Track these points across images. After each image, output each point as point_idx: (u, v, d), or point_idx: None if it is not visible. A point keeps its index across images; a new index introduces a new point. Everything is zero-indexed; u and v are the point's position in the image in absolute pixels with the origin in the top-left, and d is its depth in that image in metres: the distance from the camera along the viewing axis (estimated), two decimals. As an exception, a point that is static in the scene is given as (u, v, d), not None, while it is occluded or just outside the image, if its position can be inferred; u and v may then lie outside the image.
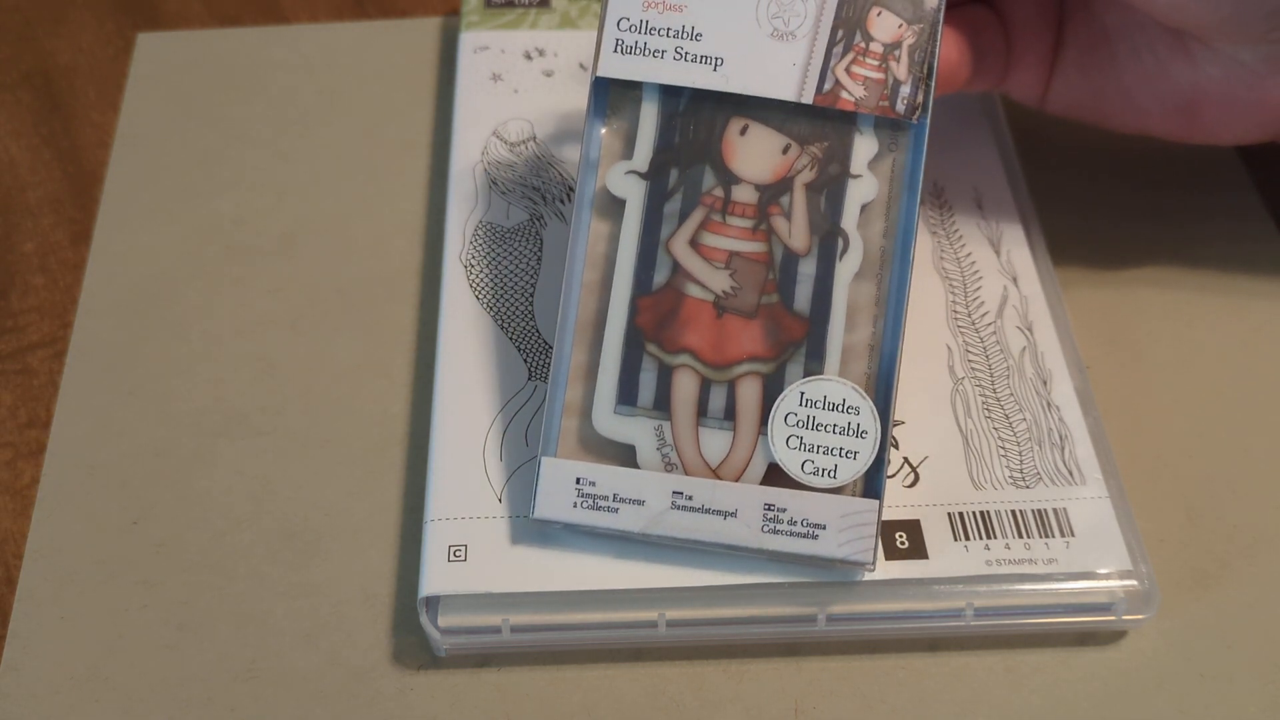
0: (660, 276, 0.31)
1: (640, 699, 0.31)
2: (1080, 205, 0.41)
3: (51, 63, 0.46)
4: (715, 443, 0.31)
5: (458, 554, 0.31)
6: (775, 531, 0.30)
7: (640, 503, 0.30)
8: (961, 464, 0.33)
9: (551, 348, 0.35)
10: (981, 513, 0.32)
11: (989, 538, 0.32)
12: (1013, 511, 0.32)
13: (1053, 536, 0.32)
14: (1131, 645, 0.32)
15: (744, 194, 0.31)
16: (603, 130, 0.31)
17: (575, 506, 0.30)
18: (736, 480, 0.30)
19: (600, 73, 0.31)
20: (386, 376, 0.36)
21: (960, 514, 0.32)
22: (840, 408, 0.30)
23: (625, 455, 0.31)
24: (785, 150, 0.31)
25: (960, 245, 0.38)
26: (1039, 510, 0.32)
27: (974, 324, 0.36)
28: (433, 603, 0.30)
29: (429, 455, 0.33)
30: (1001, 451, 0.33)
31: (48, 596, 0.32)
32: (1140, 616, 0.31)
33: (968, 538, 0.32)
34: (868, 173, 0.31)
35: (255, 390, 0.36)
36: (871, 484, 0.30)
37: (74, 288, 0.39)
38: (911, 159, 0.31)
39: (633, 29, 0.31)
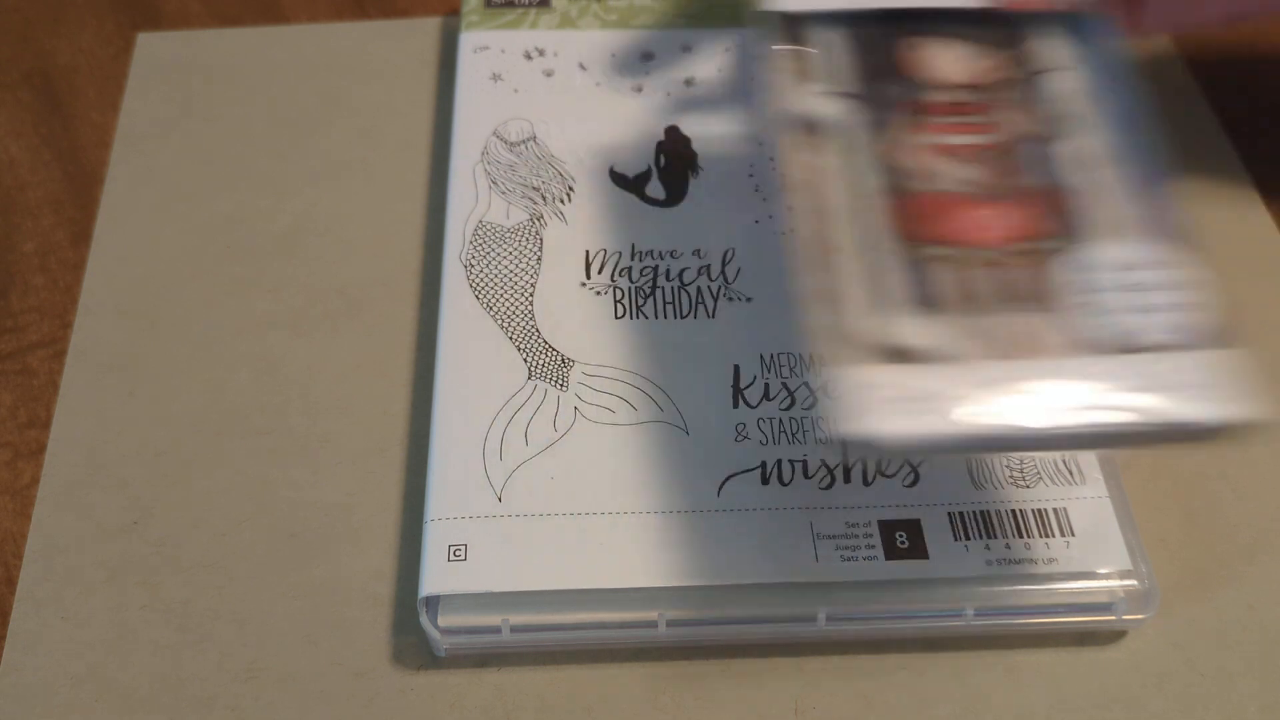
0: (897, 181, 0.29)
1: (640, 699, 0.31)
2: None
3: (51, 63, 0.46)
4: (1017, 328, 0.27)
5: (458, 554, 0.31)
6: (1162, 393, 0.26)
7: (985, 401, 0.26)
8: (962, 463, 0.33)
9: (554, 349, 0.35)
10: (982, 512, 0.32)
11: (989, 537, 0.32)
12: (1013, 511, 0.32)
13: (1053, 536, 0.32)
14: (1131, 645, 0.32)
15: (952, 95, 0.30)
16: (784, 62, 0.30)
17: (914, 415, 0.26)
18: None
19: (781, 6, 0.30)
20: (386, 376, 0.36)
21: (960, 513, 0.32)
22: (1145, 266, 0.27)
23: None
24: (982, 55, 0.30)
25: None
26: (1039, 510, 0.32)
27: (974, 323, 0.36)
28: (433, 603, 0.30)
29: (429, 455, 0.33)
30: (1002, 451, 0.33)
31: (48, 596, 0.32)
32: (1140, 616, 0.31)
33: (968, 537, 0.32)
34: (1068, 65, 0.30)
35: (255, 390, 0.36)
36: (1219, 333, 0.26)
37: (74, 288, 0.39)
38: (1110, 48, 0.30)
39: None
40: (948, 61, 0.30)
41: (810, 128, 0.29)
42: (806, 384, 0.34)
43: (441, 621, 0.30)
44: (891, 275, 0.28)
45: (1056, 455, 0.33)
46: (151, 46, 0.45)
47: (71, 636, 0.31)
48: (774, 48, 0.30)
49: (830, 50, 0.30)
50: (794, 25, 0.31)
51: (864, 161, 0.29)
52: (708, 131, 0.40)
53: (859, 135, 0.29)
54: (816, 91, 0.30)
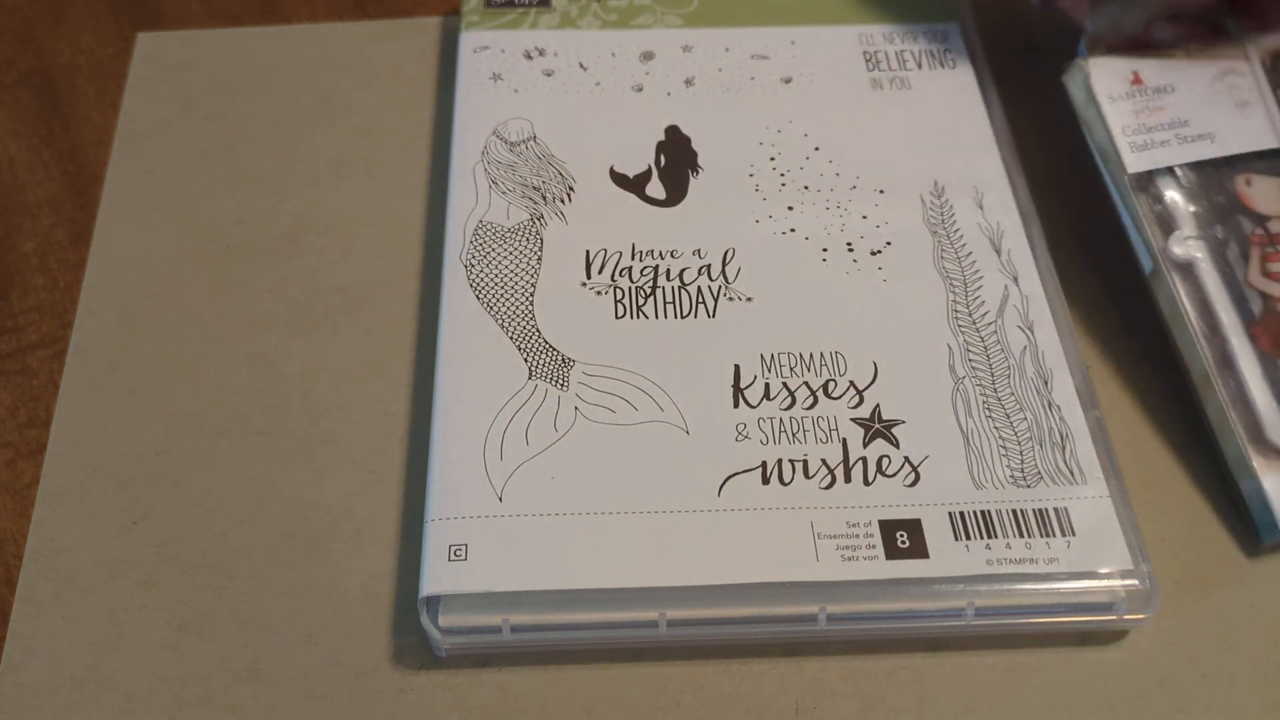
0: (1255, 307, 0.35)
1: (640, 699, 0.31)
2: (1081, 204, 0.41)
3: (51, 62, 0.46)
4: None
5: (458, 554, 0.31)
6: None
7: None
8: (962, 463, 0.33)
9: (555, 349, 0.35)
10: (982, 512, 0.32)
11: (990, 537, 0.31)
12: (1013, 511, 0.32)
13: (1054, 536, 0.32)
14: (1132, 645, 0.32)
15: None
16: (1145, 213, 0.36)
17: None
18: None
19: (1131, 170, 0.37)
20: (386, 376, 0.36)
21: (961, 513, 0.32)
22: None
23: None
24: None
25: (961, 245, 0.38)
26: (1040, 509, 0.32)
27: (975, 323, 0.36)
28: (433, 602, 0.30)
29: (429, 455, 0.33)
30: (1002, 451, 0.33)
31: (48, 597, 0.32)
32: (1141, 616, 0.31)
33: (968, 537, 0.31)
34: None
35: (255, 390, 0.36)
36: None
37: (74, 288, 0.39)
38: None
39: (1137, 131, 0.37)
40: (1271, 196, 0.37)
41: (1187, 267, 0.35)
42: (806, 384, 0.34)
43: (442, 621, 0.30)
44: (1266, 393, 0.33)
45: (1055, 454, 0.33)
46: (151, 46, 0.45)
47: (71, 637, 0.31)
48: (1135, 204, 0.36)
49: (1178, 199, 0.36)
50: (1147, 180, 0.37)
51: (1233, 289, 0.35)
52: (708, 131, 0.40)
53: (1228, 268, 0.35)
54: (1183, 237, 0.35)
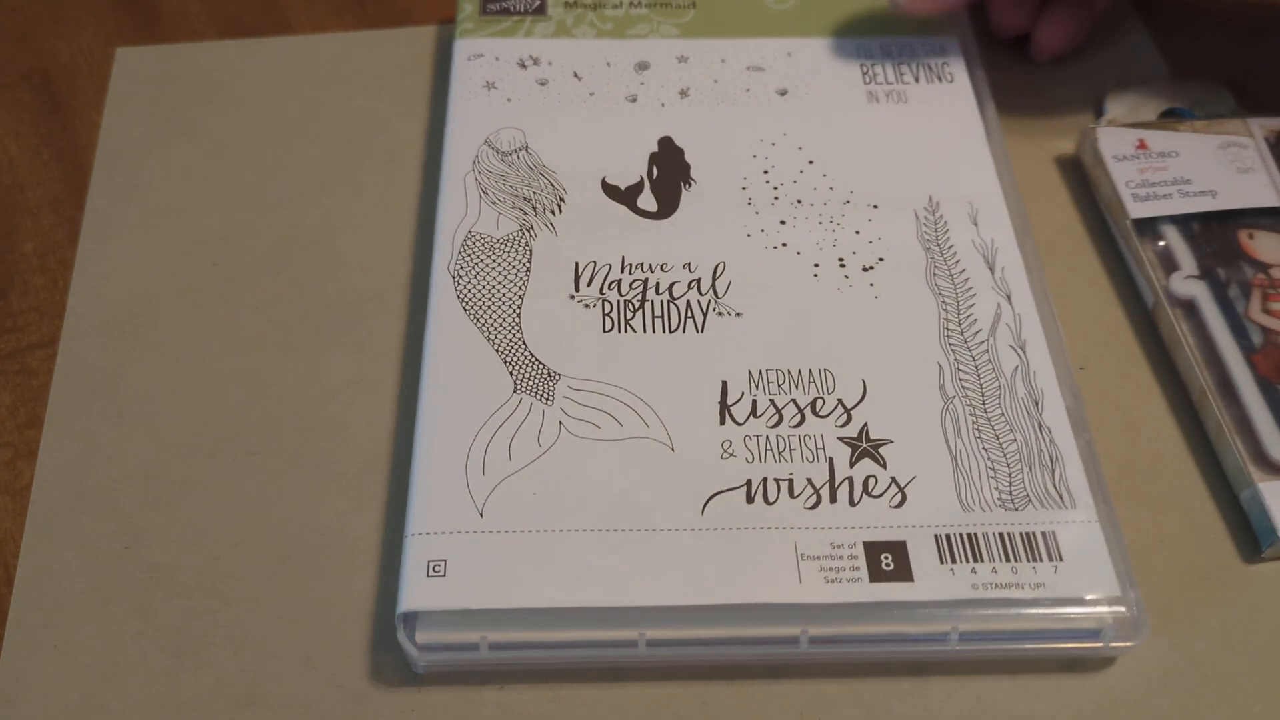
0: (1255, 339, 0.36)
1: (641, 719, 0.31)
2: (1076, 220, 0.40)
3: (51, 63, 0.46)
4: None
5: (437, 569, 0.31)
6: None
7: None
8: (950, 485, 0.33)
9: (540, 362, 0.35)
10: (969, 535, 0.32)
11: (976, 561, 0.31)
12: (1000, 534, 0.32)
13: (1040, 560, 0.31)
14: (1119, 672, 0.31)
15: None
16: (1146, 253, 0.38)
17: None
18: None
19: (1133, 216, 0.39)
20: (378, 391, 0.36)
21: (947, 536, 0.32)
22: None
23: None
24: None
25: (954, 261, 0.37)
26: (1027, 533, 0.32)
27: (966, 342, 0.35)
28: (410, 619, 0.30)
29: (411, 469, 0.33)
30: (991, 473, 0.33)
31: (40, 625, 0.32)
32: (1128, 643, 0.31)
33: (954, 560, 0.31)
34: None
35: (245, 409, 0.36)
36: None
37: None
38: None
39: (1140, 185, 0.39)
40: (1271, 247, 0.38)
41: (1188, 303, 0.37)
42: (794, 401, 0.34)
43: (419, 638, 0.30)
44: (1266, 417, 0.35)
45: (1044, 477, 0.33)
46: (131, 61, 0.44)
47: (65, 666, 0.31)
48: (1137, 245, 0.38)
49: (1181, 244, 0.38)
50: (1149, 225, 0.39)
51: (1234, 323, 0.36)
52: (702, 143, 0.40)
53: (1228, 304, 0.37)
54: (1184, 276, 0.37)
